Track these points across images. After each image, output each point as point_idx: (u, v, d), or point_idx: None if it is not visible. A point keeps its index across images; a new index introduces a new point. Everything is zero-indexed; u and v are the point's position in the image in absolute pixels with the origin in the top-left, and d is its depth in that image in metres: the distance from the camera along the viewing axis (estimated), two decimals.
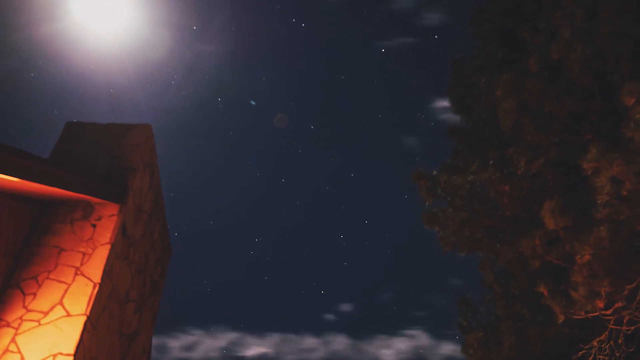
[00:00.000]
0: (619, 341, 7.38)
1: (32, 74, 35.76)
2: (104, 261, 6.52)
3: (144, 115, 41.79)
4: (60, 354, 5.81)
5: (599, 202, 6.59)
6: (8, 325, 5.98)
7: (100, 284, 6.39)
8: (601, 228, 6.64)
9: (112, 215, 6.93)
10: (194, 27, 39.82)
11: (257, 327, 40.51)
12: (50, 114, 37.63)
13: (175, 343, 38.29)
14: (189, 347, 38.58)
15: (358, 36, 45.33)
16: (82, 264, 6.48)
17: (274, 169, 48.61)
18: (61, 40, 33.65)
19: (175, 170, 43.59)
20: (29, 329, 5.96)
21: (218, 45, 41.80)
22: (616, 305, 6.97)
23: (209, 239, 45.99)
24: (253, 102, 43.76)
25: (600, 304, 6.89)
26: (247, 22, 41.66)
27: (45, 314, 6.09)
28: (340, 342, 40.00)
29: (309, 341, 39.84)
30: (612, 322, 7.24)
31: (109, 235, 6.75)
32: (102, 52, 35.83)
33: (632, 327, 7.10)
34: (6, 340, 5.86)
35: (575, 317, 7.10)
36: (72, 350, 5.84)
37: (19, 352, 5.79)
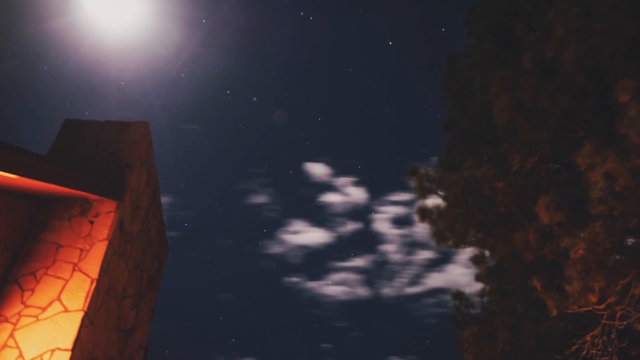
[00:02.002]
0: (612, 336, 7.45)
1: (45, 67, 36.02)
2: (101, 257, 6.58)
3: (153, 107, 42.14)
4: (58, 349, 5.86)
5: (592, 196, 6.64)
6: (6, 320, 6.04)
7: (98, 280, 6.45)
8: (596, 223, 6.69)
9: (110, 211, 6.97)
10: (203, 20, 40.01)
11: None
12: (62, 106, 37.97)
13: None
14: None
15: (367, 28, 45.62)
16: (79, 260, 6.53)
17: (281, 162, 48.85)
18: (73, 33, 33.89)
19: (184, 162, 43.93)
20: (27, 325, 6.02)
21: (227, 38, 42.06)
22: (609, 300, 7.03)
23: (217, 229, 46.38)
24: (255, 99, 44.00)
25: (594, 299, 6.95)
26: (255, 15, 41.92)
27: (44, 309, 6.14)
28: None
29: None
30: (605, 317, 7.30)
31: (106, 231, 6.80)
32: (113, 46, 36.11)
33: (625, 322, 7.15)
34: (4, 335, 5.91)
35: (569, 311, 7.16)
36: (69, 346, 5.90)
37: (17, 347, 5.85)
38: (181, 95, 43.98)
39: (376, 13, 45.35)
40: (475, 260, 9.53)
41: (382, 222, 47.29)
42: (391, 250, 46.22)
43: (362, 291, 46.10)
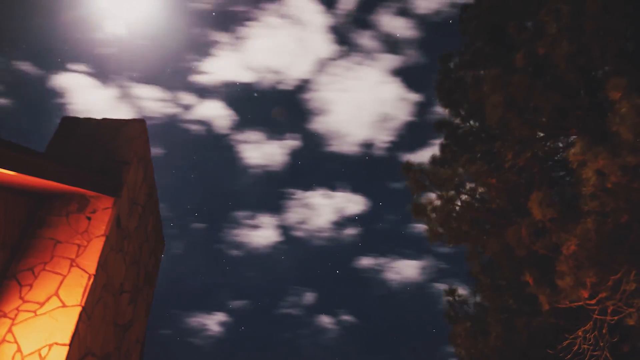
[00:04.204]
0: (603, 331, 7.50)
1: (59, 59, 36.26)
2: (98, 253, 6.63)
3: (164, 100, 42.35)
4: (56, 344, 5.91)
5: (584, 192, 6.71)
6: (5, 315, 6.09)
7: (95, 276, 6.50)
8: (587, 220, 6.75)
9: (107, 208, 7.03)
10: (213, 14, 40.24)
11: None
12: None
13: None
14: None
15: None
16: (77, 256, 6.58)
17: (288, 155, 49.12)
18: (86, 26, 34.21)
19: (195, 153, 44.19)
20: (25, 320, 6.07)
21: (237, 31, 42.37)
22: (601, 295, 7.09)
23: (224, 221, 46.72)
24: (255, 94, 44.30)
25: (585, 294, 7.01)
26: (263, 9, 42.18)
27: (41, 304, 6.19)
28: None
29: None
30: (596, 312, 7.35)
31: (103, 227, 6.85)
32: (125, 38, 36.41)
33: (616, 317, 7.21)
34: (3, 330, 5.96)
35: (560, 306, 7.23)
36: (67, 340, 5.95)
37: (16, 342, 5.90)
38: (192, 86, 44.40)
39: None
40: (469, 256, 9.62)
41: None
42: None
43: None
